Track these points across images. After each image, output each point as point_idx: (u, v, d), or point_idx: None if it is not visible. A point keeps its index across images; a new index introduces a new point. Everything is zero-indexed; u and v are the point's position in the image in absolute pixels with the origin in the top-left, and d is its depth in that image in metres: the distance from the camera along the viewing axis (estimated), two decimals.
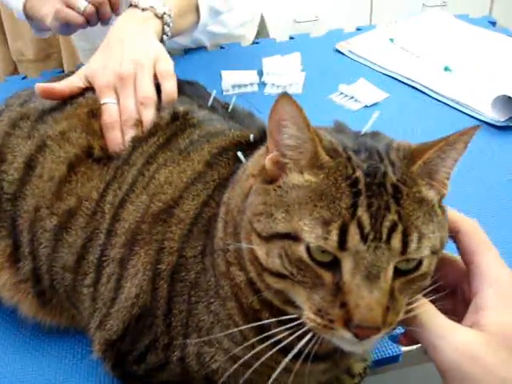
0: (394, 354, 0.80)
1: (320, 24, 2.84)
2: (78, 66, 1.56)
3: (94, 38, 1.45)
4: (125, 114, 0.82)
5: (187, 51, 1.53)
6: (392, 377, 0.87)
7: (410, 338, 0.58)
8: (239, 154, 0.67)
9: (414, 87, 1.35)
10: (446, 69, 1.39)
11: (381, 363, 0.81)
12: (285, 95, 0.53)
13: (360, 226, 0.50)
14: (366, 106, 1.30)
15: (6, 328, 0.88)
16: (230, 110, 0.86)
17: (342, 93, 1.34)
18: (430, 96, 1.32)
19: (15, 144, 0.81)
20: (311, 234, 0.51)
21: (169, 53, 0.95)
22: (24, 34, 2.34)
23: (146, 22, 1.01)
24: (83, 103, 0.83)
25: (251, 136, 0.73)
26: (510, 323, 0.50)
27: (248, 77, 1.37)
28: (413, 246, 0.51)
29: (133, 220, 0.72)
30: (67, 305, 0.81)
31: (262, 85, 1.37)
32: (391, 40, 1.50)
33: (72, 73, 0.92)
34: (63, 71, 1.63)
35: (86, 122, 0.81)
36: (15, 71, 2.45)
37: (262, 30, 1.67)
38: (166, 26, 1.06)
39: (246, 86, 1.35)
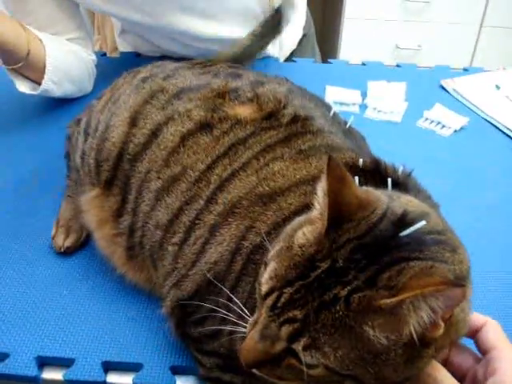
0: None
1: (422, 54, 2.84)
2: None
3: None
4: None
5: (295, 60, 1.58)
6: None
7: None
8: (356, 178, 0.68)
9: (510, 137, 1.35)
10: None
11: None
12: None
13: (278, 298, 0.55)
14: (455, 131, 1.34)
15: (96, 275, 0.97)
16: (347, 127, 0.90)
17: (427, 118, 1.37)
18: None
19: (149, 112, 0.89)
20: (264, 275, 0.58)
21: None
22: None
23: None
24: (215, 88, 0.90)
25: (360, 161, 0.75)
26: None
27: (351, 96, 1.40)
28: (299, 347, 0.54)
29: (236, 194, 0.77)
30: (148, 262, 0.88)
31: (364, 107, 1.39)
32: (497, 87, 1.51)
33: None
34: None
35: (211, 101, 0.88)
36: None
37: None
38: None
39: (348, 104, 1.37)
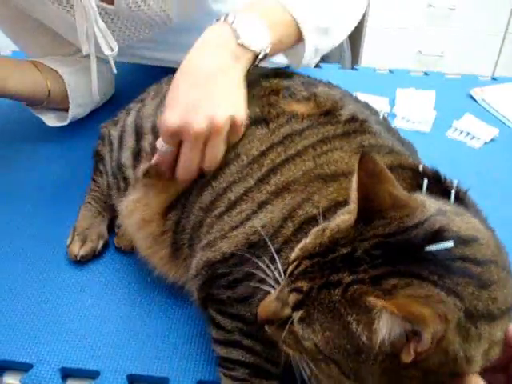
0: None
1: (444, 60, 2.81)
2: None
3: None
4: (182, 171, 0.85)
5: (321, 66, 1.55)
6: None
7: None
8: (425, 181, 0.67)
9: None
10: None
11: None
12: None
13: (296, 267, 0.58)
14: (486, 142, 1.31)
15: (121, 284, 0.95)
16: (399, 137, 0.90)
17: (456, 129, 1.34)
18: None
19: None
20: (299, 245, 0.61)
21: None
22: None
23: (238, 60, 0.88)
24: (267, 86, 0.92)
25: (420, 166, 0.74)
26: None
27: (380, 104, 1.36)
28: (296, 317, 0.56)
29: (291, 175, 0.78)
30: (187, 251, 0.86)
31: (392, 115, 1.36)
32: None
33: None
34: None
35: (266, 98, 0.89)
36: None
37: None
38: (257, 60, 0.91)
39: None
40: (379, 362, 0.52)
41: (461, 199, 0.68)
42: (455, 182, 0.71)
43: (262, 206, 0.77)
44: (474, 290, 0.52)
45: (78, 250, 0.97)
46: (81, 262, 0.97)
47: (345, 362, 0.54)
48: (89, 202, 1.06)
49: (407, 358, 0.49)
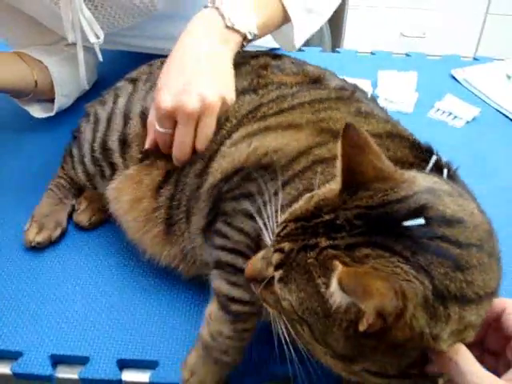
0: None
1: (426, 41, 2.81)
2: None
3: None
4: (177, 150, 0.87)
5: (303, 49, 1.55)
6: None
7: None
8: (433, 158, 0.68)
9: None
10: None
11: None
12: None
13: (283, 229, 0.59)
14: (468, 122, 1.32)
15: (108, 271, 0.95)
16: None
17: (438, 109, 1.35)
18: None
19: None
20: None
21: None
22: None
23: (227, 43, 0.90)
24: (254, 64, 0.95)
25: (416, 139, 0.77)
26: None
27: (362, 86, 1.36)
28: (277, 276, 0.57)
29: (292, 119, 0.80)
30: (183, 226, 0.86)
31: (375, 97, 1.36)
32: (508, 77, 1.49)
33: None
34: None
35: (254, 72, 0.93)
36: None
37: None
38: (245, 42, 0.94)
39: None
40: (343, 329, 0.52)
41: (451, 176, 0.68)
42: (444, 160, 0.71)
43: (265, 130, 0.80)
44: (447, 271, 0.51)
45: (34, 236, 0.97)
46: (36, 249, 0.97)
47: (315, 324, 0.55)
48: (51, 189, 1.05)
49: (361, 327, 0.50)
